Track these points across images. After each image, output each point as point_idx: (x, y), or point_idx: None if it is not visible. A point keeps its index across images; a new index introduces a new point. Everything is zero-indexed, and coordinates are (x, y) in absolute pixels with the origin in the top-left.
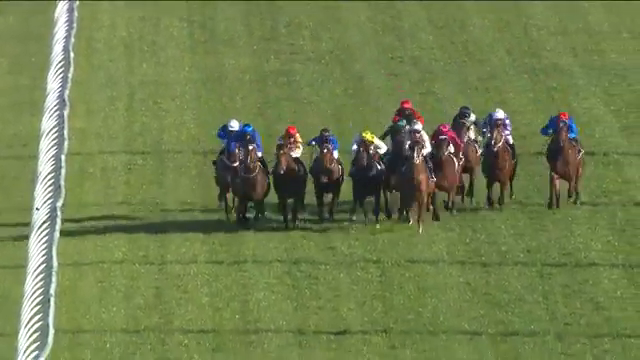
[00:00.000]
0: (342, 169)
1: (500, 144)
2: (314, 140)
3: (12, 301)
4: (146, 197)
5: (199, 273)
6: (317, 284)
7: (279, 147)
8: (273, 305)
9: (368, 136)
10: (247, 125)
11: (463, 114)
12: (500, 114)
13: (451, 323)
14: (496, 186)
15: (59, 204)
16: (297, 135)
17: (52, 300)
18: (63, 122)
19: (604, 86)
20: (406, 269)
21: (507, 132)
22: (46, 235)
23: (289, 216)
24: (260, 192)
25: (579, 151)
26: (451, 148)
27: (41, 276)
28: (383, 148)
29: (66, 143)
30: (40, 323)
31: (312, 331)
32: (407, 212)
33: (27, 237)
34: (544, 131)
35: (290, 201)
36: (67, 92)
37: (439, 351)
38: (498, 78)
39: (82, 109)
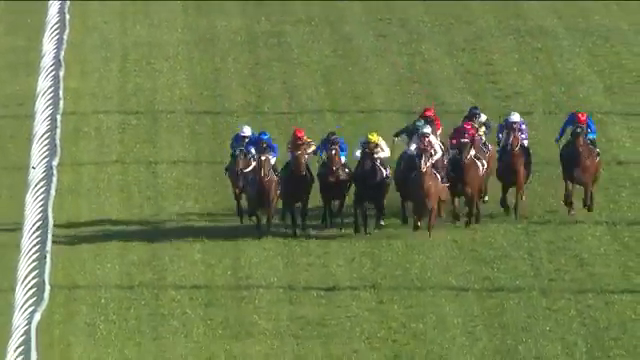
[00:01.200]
0: (349, 174)
1: (517, 148)
2: (320, 147)
3: (9, 258)
4: (140, 156)
5: (192, 231)
6: (307, 241)
7: (294, 147)
8: (264, 262)
9: (373, 137)
10: (263, 132)
11: (472, 114)
12: (516, 117)
13: (438, 279)
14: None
15: (55, 163)
16: (305, 137)
17: (48, 257)
18: (58, 82)
19: (588, 47)
20: (394, 226)
21: (523, 136)
22: (42, 193)
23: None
24: (273, 201)
25: (597, 154)
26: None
27: (37, 233)
28: (386, 152)
29: (61, 103)
30: (36, 279)
31: (302, 287)
32: (419, 219)
33: (23, 195)
34: (560, 132)
35: (297, 206)
36: (62, 53)
37: (426, 306)
38: (484, 39)
39: (77, 70)
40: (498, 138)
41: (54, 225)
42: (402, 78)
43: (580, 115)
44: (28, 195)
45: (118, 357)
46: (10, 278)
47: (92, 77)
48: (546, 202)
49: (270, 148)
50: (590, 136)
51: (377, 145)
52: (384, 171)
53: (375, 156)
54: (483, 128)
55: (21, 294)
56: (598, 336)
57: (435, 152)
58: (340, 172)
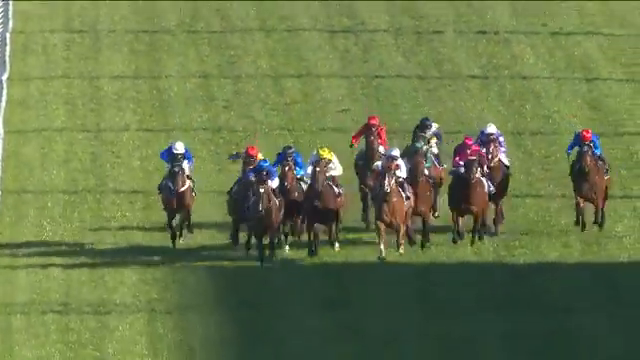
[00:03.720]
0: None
1: (496, 160)
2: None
3: None
4: (83, 71)
5: (131, 139)
6: (237, 150)
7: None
8: (198, 169)
9: (325, 153)
10: (264, 160)
11: (424, 125)
12: (492, 129)
13: (356, 184)
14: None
15: (4, 77)
16: (257, 156)
17: (0, 164)
18: (7, 4)
19: None
20: (317, 136)
21: (502, 149)
22: None
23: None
24: (276, 226)
25: (606, 171)
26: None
27: None
28: (337, 170)
29: (10, 23)
30: None
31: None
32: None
33: None
34: (569, 150)
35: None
36: None
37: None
38: None
39: None
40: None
41: (5, 134)
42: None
43: (585, 132)
44: None
45: (63, 256)
46: None
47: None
48: (457, 114)
49: (271, 175)
50: (597, 152)
51: (329, 161)
52: (337, 189)
53: (327, 174)
54: (435, 139)
55: None
56: (507, 242)
57: (400, 170)
58: (293, 191)
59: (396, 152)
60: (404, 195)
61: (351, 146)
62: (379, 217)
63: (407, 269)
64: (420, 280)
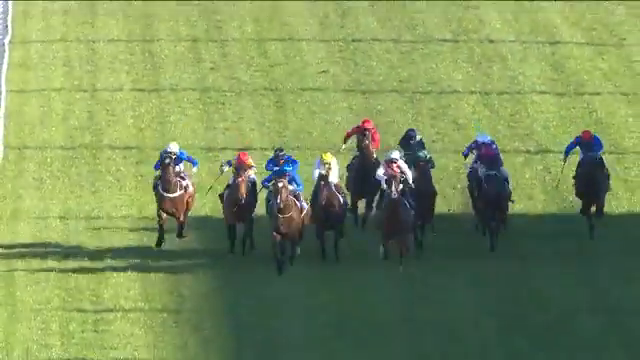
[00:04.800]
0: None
1: None
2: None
3: None
4: (80, 35)
5: (124, 99)
6: (224, 109)
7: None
8: (187, 126)
9: (327, 157)
10: (287, 164)
11: (409, 136)
12: (485, 138)
13: (336, 140)
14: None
15: (6, 41)
16: (248, 161)
17: (1, 121)
18: None
19: None
20: (299, 95)
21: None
22: None
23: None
24: (297, 231)
25: (607, 172)
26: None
27: None
28: (335, 173)
29: None
30: None
31: (219, 147)
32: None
33: None
34: (567, 150)
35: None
36: None
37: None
38: None
39: None
40: (464, 154)
41: (7, 94)
42: None
43: (584, 134)
44: None
45: (62, 208)
46: None
47: None
48: (428, 75)
49: (294, 181)
50: (598, 153)
51: (330, 167)
52: (341, 198)
53: (329, 179)
54: (425, 152)
55: None
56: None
57: (405, 174)
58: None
59: (396, 154)
60: (409, 204)
61: (344, 143)
62: (379, 226)
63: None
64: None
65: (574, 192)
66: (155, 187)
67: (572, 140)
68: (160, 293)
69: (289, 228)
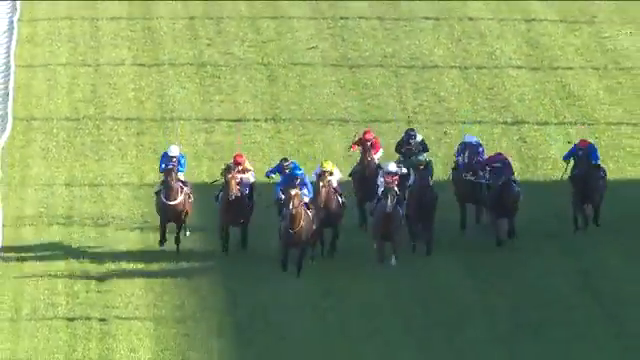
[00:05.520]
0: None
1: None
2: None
3: None
4: (84, 13)
5: (126, 73)
6: (219, 82)
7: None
8: (185, 98)
9: (328, 165)
10: (297, 167)
11: (409, 136)
12: (473, 139)
13: (325, 112)
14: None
15: (15, 18)
16: (244, 164)
17: (10, 94)
18: None
19: None
20: (290, 70)
21: (480, 158)
22: (6, 43)
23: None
24: (308, 239)
25: (603, 177)
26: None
27: (2, 75)
28: (336, 175)
29: None
30: (1, 112)
31: (215, 119)
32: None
33: None
34: (566, 157)
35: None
36: None
37: (315, 134)
38: None
39: None
40: (457, 159)
41: (15, 68)
42: None
43: (581, 142)
44: None
45: (67, 175)
46: None
47: None
48: (411, 50)
49: (304, 185)
50: (595, 161)
51: (332, 173)
52: (340, 199)
53: (329, 182)
54: (425, 155)
55: None
56: (454, 158)
57: (405, 176)
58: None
59: (393, 167)
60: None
61: (350, 150)
62: (376, 234)
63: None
64: None
65: (571, 197)
66: (157, 194)
67: (570, 148)
68: (160, 256)
69: (300, 239)
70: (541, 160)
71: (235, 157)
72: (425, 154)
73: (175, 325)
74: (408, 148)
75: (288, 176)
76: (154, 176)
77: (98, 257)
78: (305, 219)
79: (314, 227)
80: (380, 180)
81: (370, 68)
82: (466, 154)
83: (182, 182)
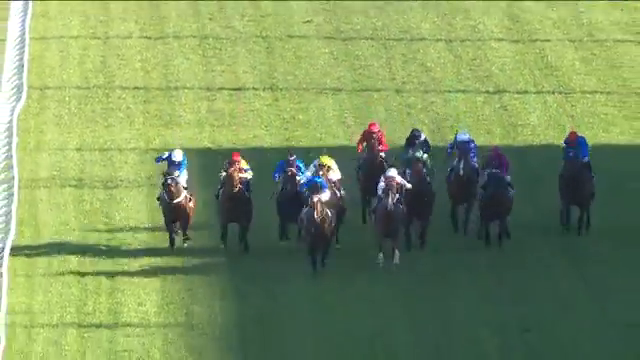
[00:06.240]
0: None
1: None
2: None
3: None
4: None
5: (134, 45)
6: (221, 54)
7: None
8: (188, 69)
9: (325, 160)
10: (317, 176)
11: (414, 136)
12: (465, 136)
13: (319, 82)
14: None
15: None
16: (240, 163)
17: (25, 65)
18: None
19: None
20: (286, 42)
21: (472, 154)
22: (21, 17)
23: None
24: (330, 239)
25: (592, 177)
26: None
27: (17, 47)
28: (337, 173)
29: None
30: (17, 81)
31: (217, 88)
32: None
33: (7, 17)
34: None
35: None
36: None
37: (310, 102)
38: None
39: None
40: (449, 153)
41: (30, 40)
42: None
43: (570, 135)
44: (10, 16)
45: (78, 140)
46: None
47: None
48: (399, 24)
49: (323, 188)
50: (585, 158)
51: (329, 168)
52: (338, 192)
53: (328, 177)
54: (425, 156)
55: (5, 95)
56: (440, 125)
57: (404, 184)
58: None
59: (393, 172)
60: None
61: (359, 150)
62: (378, 233)
63: None
64: None
65: (559, 194)
66: (159, 197)
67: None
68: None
69: (323, 240)
70: (521, 127)
71: (232, 156)
72: (421, 152)
73: (179, 281)
74: (413, 148)
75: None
76: (159, 141)
77: (107, 216)
78: (328, 220)
79: (334, 224)
80: (381, 184)
81: (361, 41)
82: (459, 155)
83: (184, 187)
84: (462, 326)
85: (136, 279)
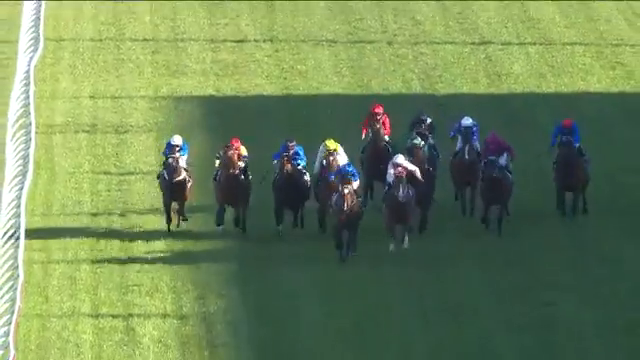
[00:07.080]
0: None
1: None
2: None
3: (14, 21)
4: None
5: (140, 13)
6: (224, 8)
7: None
8: (194, 22)
9: (331, 144)
10: (349, 163)
11: (419, 120)
12: (468, 121)
13: (316, 34)
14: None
15: None
16: (239, 151)
17: (42, 19)
18: None
19: None
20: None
21: (475, 137)
22: (34, 15)
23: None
24: (356, 229)
25: (586, 162)
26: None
27: (34, 3)
28: (343, 158)
29: None
30: (34, 34)
31: (221, 40)
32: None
33: (20, 14)
34: (553, 140)
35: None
36: None
37: (307, 53)
38: None
39: None
40: (451, 136)
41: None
42: None
43: (565, 121)
44: (23, 12)
45: (91, 89)
46: (15, 32)
47: None
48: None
49: (355, 177)
50: (576, 144)
51: (336, 151)
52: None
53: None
54: (418, 139)
55: (23, 44)
56: (429, 74)
57: (414, 170)
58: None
59: (400, 159)
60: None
61: (364, 135)
62: (389, 223)
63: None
64: None
65: (553, 179)
66: (159, 176)
67: (555, 129)
68: None
69: (352, 228)
70: (504, 75)
71: (231, 140)
72: (419, 140)
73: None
74: (419, 130)
75: (339, 171)
76: (167, 90)
77: (118, 159)
78: (356, 208)
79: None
80: (390, 171)
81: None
82: (461, 138)
83: (184, 168)
84: (472, 316)
85: (145, 219)
